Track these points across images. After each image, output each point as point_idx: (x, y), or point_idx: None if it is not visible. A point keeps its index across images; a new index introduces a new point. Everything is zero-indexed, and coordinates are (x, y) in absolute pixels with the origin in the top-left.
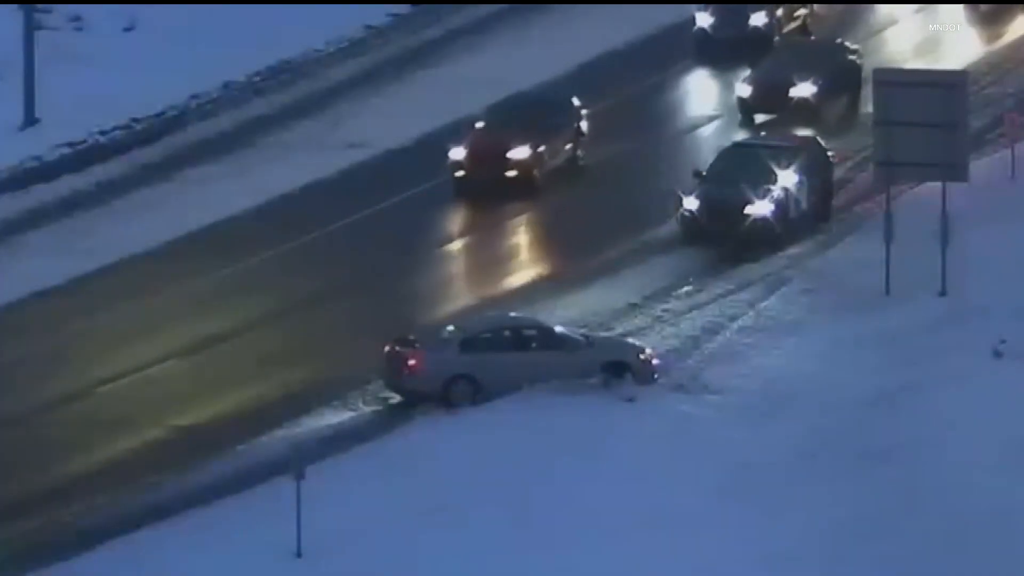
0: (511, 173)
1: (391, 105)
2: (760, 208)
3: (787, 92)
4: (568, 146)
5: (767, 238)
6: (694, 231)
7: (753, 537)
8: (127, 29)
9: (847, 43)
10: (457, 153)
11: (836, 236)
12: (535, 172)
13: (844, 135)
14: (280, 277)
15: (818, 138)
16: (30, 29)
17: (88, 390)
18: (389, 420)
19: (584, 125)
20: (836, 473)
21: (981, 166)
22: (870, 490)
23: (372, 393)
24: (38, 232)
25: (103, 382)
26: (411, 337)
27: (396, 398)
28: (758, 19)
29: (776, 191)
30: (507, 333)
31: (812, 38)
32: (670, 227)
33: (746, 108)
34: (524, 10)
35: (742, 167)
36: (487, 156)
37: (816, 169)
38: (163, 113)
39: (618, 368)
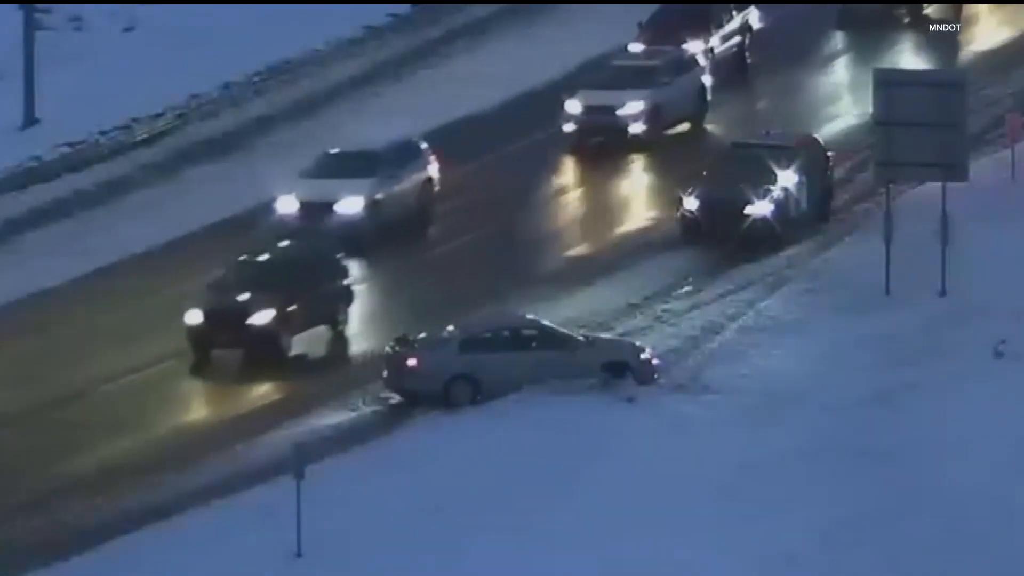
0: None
1: (391, 105)
2: (760, 208)
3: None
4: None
5: (767, 238)
6: (694, 231)
7: (753, 537)
8: (127, 29)
9: None
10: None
11: (836, 236)
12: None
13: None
14: None
15: (818, 138)
16: (30, 29)
17: (88, 390)
18: (389, 420)
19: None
20: (836, 473)
21: (981, 166)
22: (870, 490)
23: (372, 393)
24: (38, 232)
25: (103, 382)
26: (411, 337)
27: (396, 398)
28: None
29: (776, 191)
30: (507, 333)
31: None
32: (670, 227)
33: None
34: (524, 10)
35: (742, 167)
36: None
37: (816, 169)
38: (163, 113)
39: (618, 368)
